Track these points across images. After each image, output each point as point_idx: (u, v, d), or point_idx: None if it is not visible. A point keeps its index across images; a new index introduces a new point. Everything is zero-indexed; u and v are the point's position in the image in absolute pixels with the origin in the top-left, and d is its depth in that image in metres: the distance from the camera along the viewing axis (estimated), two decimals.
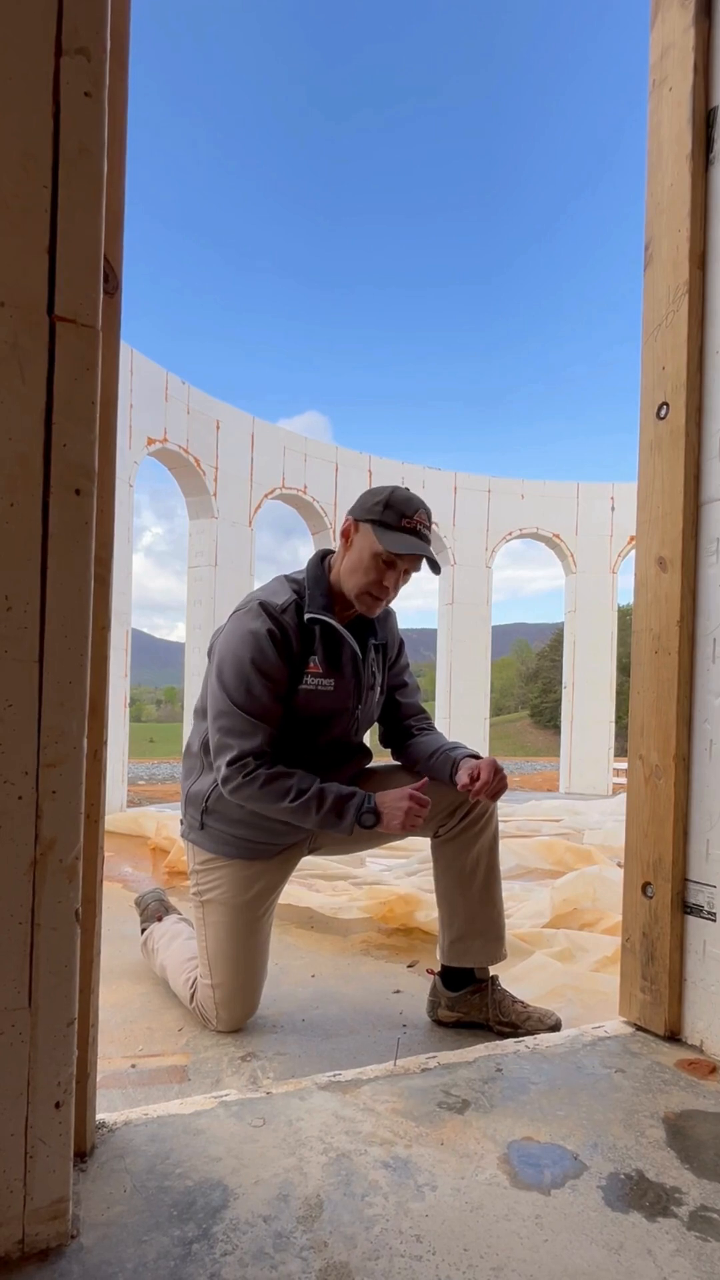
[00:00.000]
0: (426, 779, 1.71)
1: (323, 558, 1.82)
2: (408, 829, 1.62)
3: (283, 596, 1.71)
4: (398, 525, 1.66)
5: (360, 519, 1.71)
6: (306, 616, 1.69)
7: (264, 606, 1.67)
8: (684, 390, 1.57)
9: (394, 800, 1.62)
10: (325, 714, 1.75)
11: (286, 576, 1.81)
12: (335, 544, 6.46)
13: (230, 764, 1.63)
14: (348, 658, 1.75)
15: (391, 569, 1.69)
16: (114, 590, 1.08)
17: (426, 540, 1.71)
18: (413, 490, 1.74)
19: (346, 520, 1.74)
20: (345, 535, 1.75)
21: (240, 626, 1.67)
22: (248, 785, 1.61)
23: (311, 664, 1.70)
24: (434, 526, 7.62)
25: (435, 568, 1.75)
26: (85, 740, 0.92)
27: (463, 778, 1.70)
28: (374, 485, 7.31)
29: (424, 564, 1.74)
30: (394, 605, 1.90)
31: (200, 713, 1.80)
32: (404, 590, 1.80)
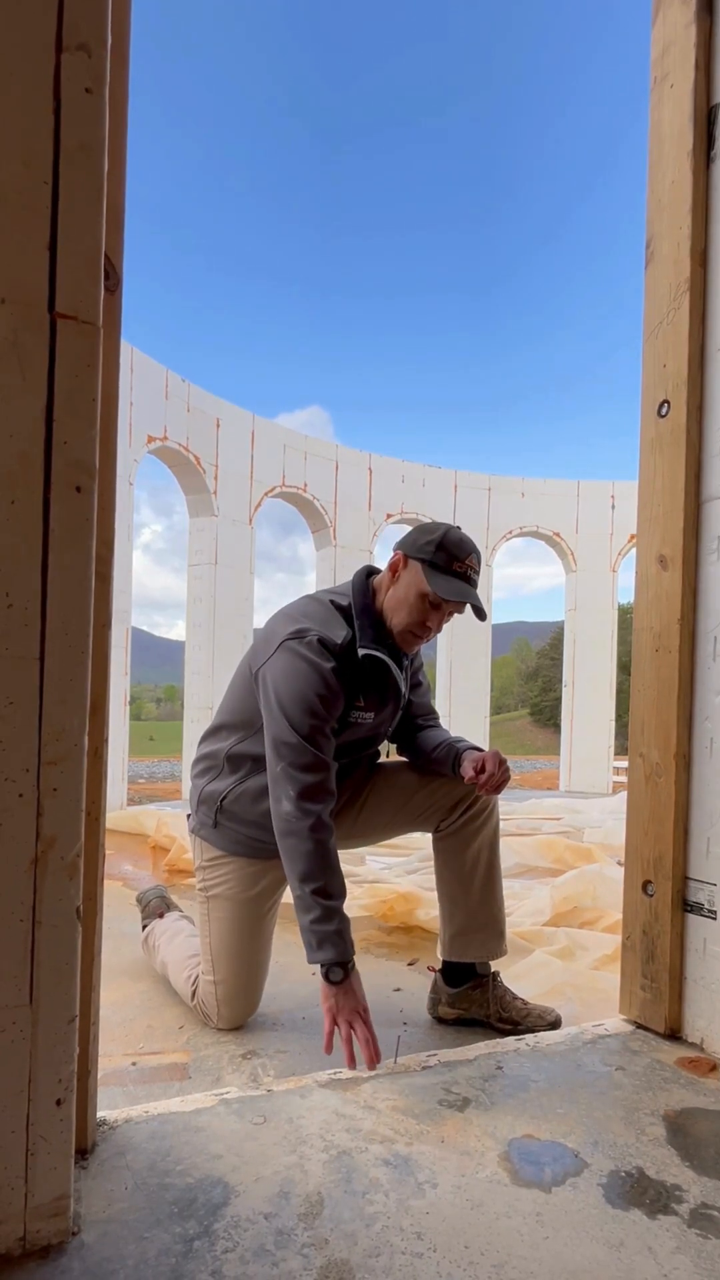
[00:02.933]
0: (377, 1054, 1.47)
1: (368, 575, 1.78)
2: (330, 1022, 1.50)
3: (340, 633, 1.64)
4: (448, 568, 1.63)
5: (411, 555, 1.67)
6: (361, 653, 1.65)
7: (324, 644, 1.61)
8: (685, 388, 1.57)
9: (353, 1004, 1.50)
10: (359, 741, 1.77)
11: (333, 602, 1.73)
12: (335, 541, 6.40)
13: (299, 799, 1.55)
14: (390, 688, 1.76)
15: (436, 611, 1.66)
16: (114, 588, 1.08)
17: (474, 585, 1.67)
18: (478, 554, 1.67)
19: (396, 554, 1.70)
20: (394, 569, 1.70)
21: (302, 659, 1.59)
22: (302, 838, 1.54)
23: (360, 700, 1.69)
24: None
25: (481, 615, 1.70)
26: (86, 738, 0.92)
27: (467, 770, 1.69)
28: (375, 481, 7.30)
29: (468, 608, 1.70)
30: None
31: (234, 726, 1.78)
32: None
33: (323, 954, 1.52)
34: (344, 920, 1.55)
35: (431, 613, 1.66)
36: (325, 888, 1.54)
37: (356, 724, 1.72)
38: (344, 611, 1.71)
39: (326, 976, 1.51)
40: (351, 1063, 1.46)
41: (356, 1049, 1.47)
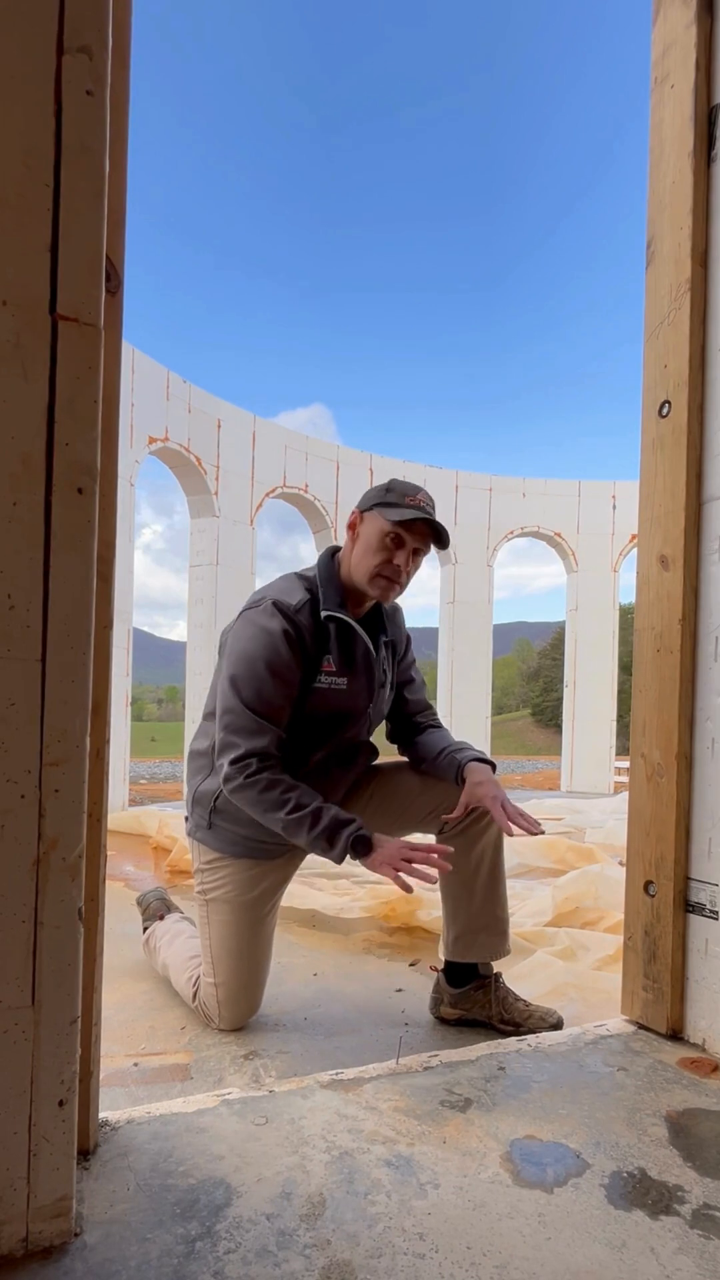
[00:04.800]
0: (439, 849, 1.55)
1: (333, 554, 1.81)
2: (389, 874, 1.54)
3: (296, 595, 1.69)
4: (401, 504, 1.68)
5: (364, 509, 1.73)
6: (323, 614, 1.68)
7: (278, 605, 1.65)
8: (686, 388, 1.57)
9: (393, 847, 1.55)
10: (339, 713, 1.75)
11: (298, 574, 1.79)
12: (336, 541, 6.43)
13: (233, 762, 1.60)
14: (361, 655, 1.75)
15: (401, 547, 1.68)
16: (115, 589, 1.09)
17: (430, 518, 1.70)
18: (427, 492, 1.73)
19: (352, 514, 1.75)
20: (351, 527, 1.75)
21: (253, 625, 1.65)
22: (249, 787, 1.58)
23: (326, 663, 1.69)
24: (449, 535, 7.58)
25: (442, 540, 1.72)
26: (88, 739, 0.92)
27: (458, 811, 1.72)
28: (376, 481, 7.32)
29: (434, 548, 1.73)
30: (397, 600, 1.88)
31: (211, 714, 1.79)
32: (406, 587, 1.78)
33: (340, 845, 1.55)
34: (333, 808, 1.59)
35: (396, 550, 1.68)
36: (298, 802, 1.57)
37: (329, 690, 1.71)
38: (308, 580, 1.76)
39: (358, 855, 1.55)
40: (408, 887, 1.51)
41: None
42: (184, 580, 6.57)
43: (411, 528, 1.67)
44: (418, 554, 1.72)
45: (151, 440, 5.64)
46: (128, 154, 1.07)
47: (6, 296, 0.85)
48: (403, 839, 1.58)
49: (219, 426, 6.27)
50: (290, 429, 7.10)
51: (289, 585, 1.74)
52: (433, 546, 1.74)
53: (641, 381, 1.69)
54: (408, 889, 1.53)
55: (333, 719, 1.74)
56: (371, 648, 1.76)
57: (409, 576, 1.74)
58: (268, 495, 6.72)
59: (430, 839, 1.79)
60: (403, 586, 1.74)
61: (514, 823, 1.64)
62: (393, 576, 1.70)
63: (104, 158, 0.90)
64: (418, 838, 1.75)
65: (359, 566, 1.71)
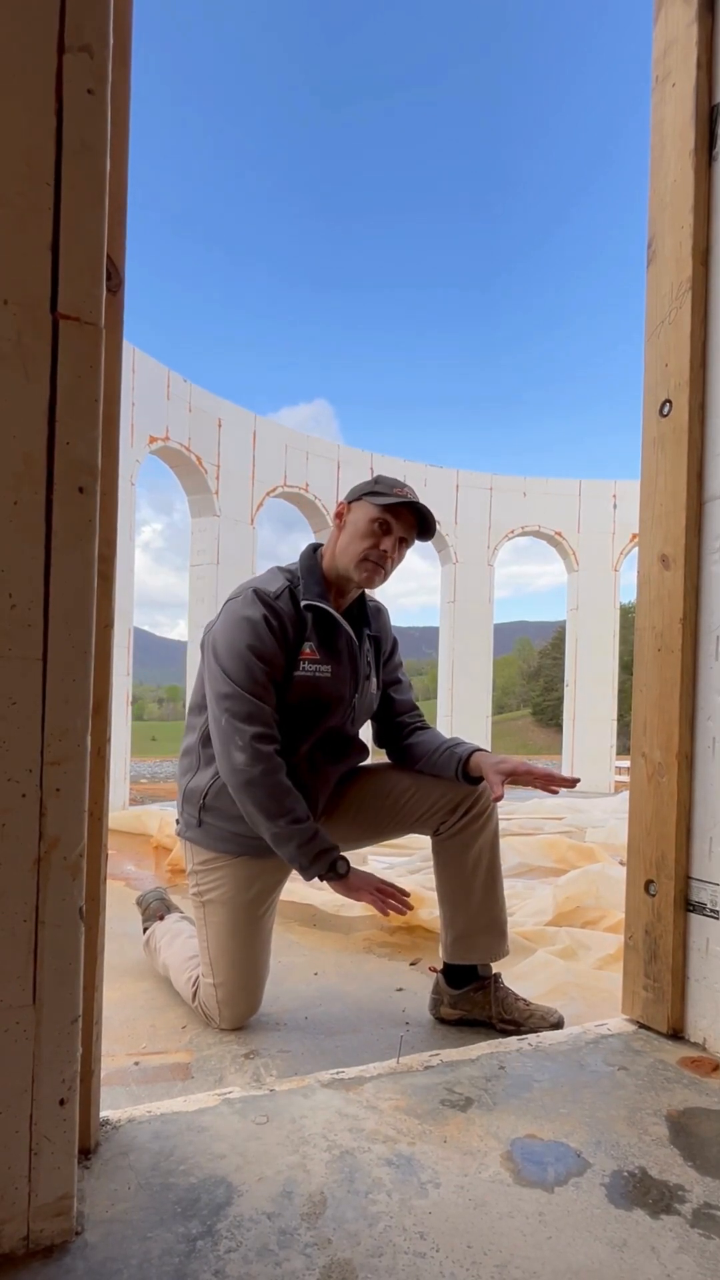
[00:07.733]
0: (407, 895, 1.73)
1: (314, 550, 1.86)
2: (369, 898, 1.69)
3: (276, 584, 1.73)
4: (390, 493, 1.74)
5: (352, 500, 1.79)
6: (302, 603, 1.72)
7: (258, 594, 1.70)
8: (687, 387, 1.56)
9: (369, 877, 1.70)
10: (323, 700, 1.76)
11: (279, 567, 1.84)
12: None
13: (256, 738, 1.62)
14: (344, 644, 1.77)
15: (388, 534, 1.73)
16: (116, 587, 1.09)
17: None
18: (414, 487, 1.79)
19: (339, 505, 1.81)
20: (338, 517, 1.81)
21: (235, 614, 1.69)
22: (271, 774, 1.62)
23: (307, 650, 1.71)
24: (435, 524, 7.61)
25: (428, 528, 1.79)
26: (89, 738, 0.92)
27: (496, 787, 1.71)
28: None
29: (417, 540, 1.81)
30: (390, 602, 1.91)
31: (197, 708, 1.81)
32: (405, 587, 1.82)
33: (320, 866, 1.64)
34: (319, 829, 1.66)
35: (383, 536, 1.73)
36: (295, 815, 1.62)
37: (312, 678, 1.72)
38: (289, 572, 1.80)
39: (334, 880, 1.66)
40: (385, 912, 1.68)
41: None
42: (184, 579, 6.57)
43: (399, 514, 1.73)
44: (403, 543, 1.77)
45: (152, 439, 5.64)
46: (129, 152, 1.07)
47: (7, 295, 0.85)
48: (378, 880, 1.69)
49: (219, 426, 6.27)
50: (291, 427, 7.10)
51: (269, 576, 1.79)
52: (418, 539, 1.81)
53: (643, 380, 1.69)
54: (385, 913, 1.69)
55: (318, 705, 1.76)
56: (354, 637, 1.79)
57: (394, 564, 1.78)
58: (268, 494, 6.71)
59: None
60: (387, 573, 1.78)
61: (554, 784, 1.70)
62: (379, 561, 1.74)
63: (105, 157, 0.90)
64: (417, 837, 1.77)
65: (346, 552, 1.75)
